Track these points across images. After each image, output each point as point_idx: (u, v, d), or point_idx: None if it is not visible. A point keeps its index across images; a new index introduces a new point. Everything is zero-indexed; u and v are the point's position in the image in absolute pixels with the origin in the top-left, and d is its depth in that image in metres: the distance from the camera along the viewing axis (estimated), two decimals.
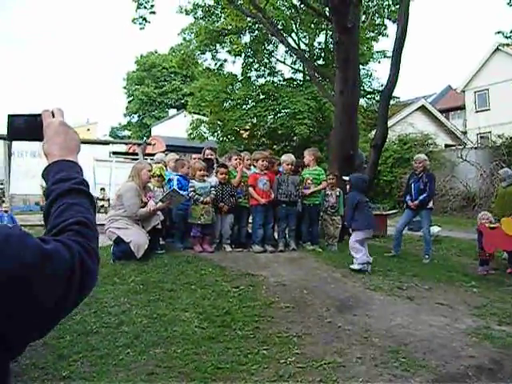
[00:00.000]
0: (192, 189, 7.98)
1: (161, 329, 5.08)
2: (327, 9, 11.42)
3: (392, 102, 24.54)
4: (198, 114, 26.80)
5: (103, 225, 7.47)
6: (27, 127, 1.57)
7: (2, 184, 19.91)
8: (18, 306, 1.11)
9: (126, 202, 7.38)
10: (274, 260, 7.72)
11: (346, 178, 8.04)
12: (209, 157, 9.32)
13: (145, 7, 15.02)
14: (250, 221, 8.88)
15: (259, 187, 8.36)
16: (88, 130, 52.82)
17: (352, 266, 7.37)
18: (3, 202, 15.85)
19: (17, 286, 1.10)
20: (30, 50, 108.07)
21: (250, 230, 8.84)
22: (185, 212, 8.06)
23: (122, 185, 7.90)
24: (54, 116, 1.57)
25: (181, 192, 7.78)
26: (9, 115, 1.56)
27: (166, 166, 8.95)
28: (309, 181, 8.82)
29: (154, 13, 15.11)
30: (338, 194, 9.09)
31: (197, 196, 7.92)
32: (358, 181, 7.83)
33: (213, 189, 8.11)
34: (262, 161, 8.52)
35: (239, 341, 4.83)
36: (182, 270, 6.87)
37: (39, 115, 1.57)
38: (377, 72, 25.23)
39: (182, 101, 45.21)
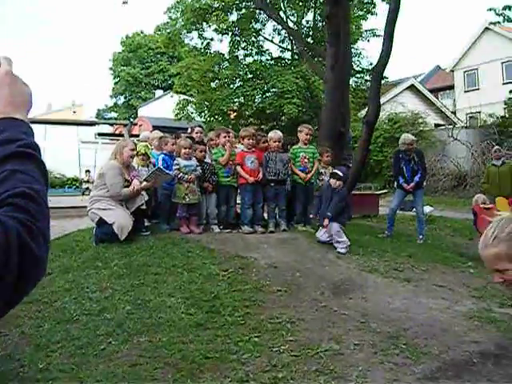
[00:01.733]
0: (177, 167, 7.64)
1: (145, 315, 4.81)
2: None
3: (381, 82, 24.43)
4: (185, 94, 26.42)
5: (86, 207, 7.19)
6: None
7: None
8: None
9: (108, 182, 7.03)
10: (265, 241, 7.39)
11: (339, 173, 7.70)
12: (198, 135, 8.94)
13: None
14: (239, 201, 8.54)
15: (247, 165, 8.00)
16: (74, 112, 52.22)
17: (340, 250, 7.09)
18: None
19: None
20: (16, 31, 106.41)
21: (238, 211, 8.50)
22: (170, 192, 7.70)
23: (104, 164, 7.56)
24: None
25: (166, 171, 7.45)
26: None
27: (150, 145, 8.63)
28: (305, 160, 8.47)
29: None
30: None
31: (181, 174, 7.58)
32: (346, 176, 7.70)
33: (199, 167, 7.77)
34: (249, 139, 8.15)
35: (229, 328, 4.57)
36: (168, 253, 6.53)
37: None
38: (366, 51, 24.88)
39: (169, 82, 44.75)
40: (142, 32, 57.63)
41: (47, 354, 4.15)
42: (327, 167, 8.73)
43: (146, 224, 7.80)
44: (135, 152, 7.51)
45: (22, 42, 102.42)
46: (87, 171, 23.96)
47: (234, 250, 6.81)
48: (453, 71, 32.36)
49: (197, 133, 8.92)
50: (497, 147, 12.52)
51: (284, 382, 3.63)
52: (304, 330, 4.53)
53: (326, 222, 7.28)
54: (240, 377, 3.68)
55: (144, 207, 7.32)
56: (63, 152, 26.63)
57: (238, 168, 8.03)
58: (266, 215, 8.47)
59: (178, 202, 7.66)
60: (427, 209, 13.33)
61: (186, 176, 7.60)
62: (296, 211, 8.48)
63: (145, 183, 7.21)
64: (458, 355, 4.07)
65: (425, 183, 9.58)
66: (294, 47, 23.45)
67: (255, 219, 8.08)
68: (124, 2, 15.01)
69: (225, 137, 8.25)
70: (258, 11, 22.07)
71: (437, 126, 25.51)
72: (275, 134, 8.40)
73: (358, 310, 5.08)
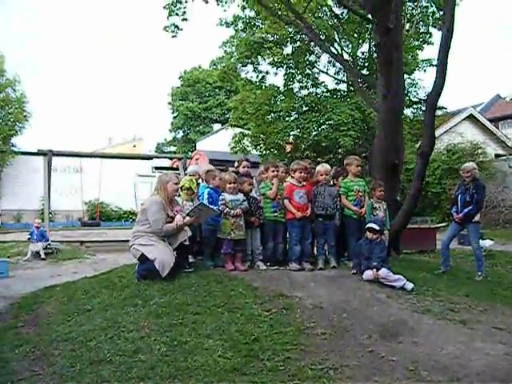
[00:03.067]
0: (223, 201, 7.47)
1: (180, 358, 4.58)
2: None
3: (439, 113, 23.95)
4: (241, 127, 26.51)
5: None
6: None
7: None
8: None
9: (150, 217, 6.91)
10: (312, 279, 7.09)
11: (376, 228, 7.43)
12: (245, 169, 8.77)
13: (176, 14, 14.85)
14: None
15: (295, 200, 7.77)
16: (134, 146, 53.51)
17: (407, 287, 6.79)
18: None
19: None
20: (76, 68, 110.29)
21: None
22: (215, 227, 7.52)
23: (147, 199, 7.44)
24: None
25: (210, 206, 7.28)
26: None
27: (199, 179, 8.49)
28: (360, 193, 8.18)
29: (185, 20, 14.94)
30: (385, 207, 8.40)
31: (227, 209, 7.39)
32: (382, 228, 7.63)
33: (245, 202, 7.57)
34: (300, 172, 7.92)
35: (267, 373, 4.29)
36: (210, 291, 6.32)
37: None
38: (423, 81, 24.41)
39: (227, 115, 45.13)
40: (199, 67, 58.75)
41: None
42: (381, 201, 8.37)
43: (191, 260, 7.63)
44: (178, 186, 7.37)
45: (85, 78, 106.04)
46: (142, 204, 24.17)
47: (278, 288, 6.53)
48: None
49: (244, 167, 8.75)
50: None
51: None
52: (347, 378, 4.21)
53: (374, 271, 6.96)
54: None
55: (187, 243, 7.15)
56: (120, 185, 27.10)
57: (286, 202, 7.80)
58: (315, 252, 8.19)
59: (223, 238, 7.47)
60: (487, 243, 12.76)
61: (232, 211, 7.42)
62: (349, 247, 8.16)
63: (188, 218, 7.05)
64: None
65: (478, 218, 9.07)
66: (348, 77, 23.24)
67: (303, 256, 7.79)
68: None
69: (273, 171, 8.05)
70: (312, 43, 21.98)
71: (497, 156, 24.69)
72: (322, 168, 8.15)
73: (407, 355, 4.71)
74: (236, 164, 9.20)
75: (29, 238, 13.79)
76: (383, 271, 6.93)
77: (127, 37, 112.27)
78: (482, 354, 4.82)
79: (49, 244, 13.86)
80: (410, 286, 6.81)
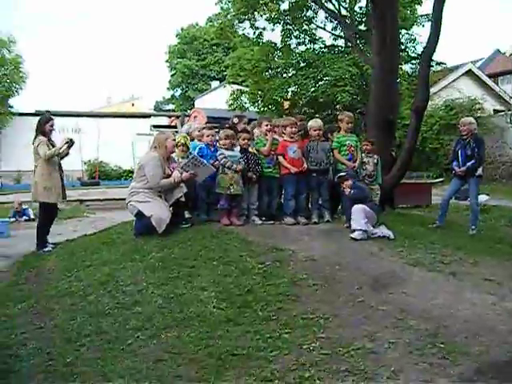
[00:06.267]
0: (223, 156, 7.51)
1: (176, 310, 4.75)
2: None
3: (438, 68, 23.78)
4: (239, 84, 26.33)
5: None
6: None
7: None
8: None
9: (147, 173, 7.00)
10: (306, 233, 7.20)
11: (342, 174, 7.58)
12: (244, 125, 8.78)
13: None
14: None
15: (289, 155, 7.82)
16: (133, 104, 53.27)
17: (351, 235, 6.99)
18: None
19: None
20: (74, 29, 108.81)
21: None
22: (208, 183, 7.58)
23: (144, 155, 7.52)
24: None
25: (203, 160, 7.33)
26: None
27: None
28: (352, 148, 8.24)
29: None
30: (375, 161, 8.47)
31: (229, 163, 7.45)
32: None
33: (242, 159, 7.63)
34: (291, 127, 7.96)
35: (260, 323, 4.44)
36: (206, 245, 6.44)
37: None
38: (421, 37, 24.12)
39: (225, 73, 44.78)
40: (196, 24, 57.97)
41: (76, 348, 4.17)
42: (371, 156, 8.45)
43: (187, 216, 7.71)
44: (175, 143, 7.43)
45: (81, 38, 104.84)
46: (139, 161, 24.19)
47: (273, 242, 6.64)
48: None
49: (244, 123, 8.80)
50: None
51: (310, 382, 3.47)
52: (337, 327, 4.35)
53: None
54: (265, 376, 3.55)
55: (183, 199, 7.25)
56: (119, 144, 27.09)
57: (280, 158, 7.86)
58: (310, 206, 8.29)
59: (221, 193, 7.54)
60: (483, 198, 12.86)
61: (235, 165, 7.46)
62: (342, 201, 8.24)
63: (185, 174, 7.12)
64: (499, 356, 3.80)
65: (480, 172, 9.10)
66: (345, 33, 23.00)
67: (298, 210, 7.89)
68: None
69: (266, 125, 8.08)
70: None
71: (496, 112, 24.61)
72: (315, 123, 8.18)
73: (396, 305, 4.84)
74: (236, 120, 9.19)
75: (12, 222, 13.09)
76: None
77: None
78: (470, 304, 4.94)
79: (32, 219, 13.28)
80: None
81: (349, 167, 8.07)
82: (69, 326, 4.61)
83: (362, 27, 23.22)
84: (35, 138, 8.10)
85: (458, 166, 9.06)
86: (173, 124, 30.69)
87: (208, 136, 7.96)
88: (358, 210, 7.05)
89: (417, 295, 5.15)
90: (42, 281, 6.29)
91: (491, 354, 3.81)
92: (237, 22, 24.08)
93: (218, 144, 7.92)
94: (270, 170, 7.92)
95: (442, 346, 3.93)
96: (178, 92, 60.05)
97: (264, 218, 7.82)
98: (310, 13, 23.63)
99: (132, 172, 26.79)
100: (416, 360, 3.72)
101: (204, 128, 8.14)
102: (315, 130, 8.08)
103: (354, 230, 6.96)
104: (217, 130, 8.67)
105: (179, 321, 4.51)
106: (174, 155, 7.56)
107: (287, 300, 4.93)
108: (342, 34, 23.79)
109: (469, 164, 8.86)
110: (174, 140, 7.39)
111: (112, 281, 5.57)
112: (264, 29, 24.29)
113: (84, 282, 5.69)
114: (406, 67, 23.56)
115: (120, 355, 3.97)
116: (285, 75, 24.05)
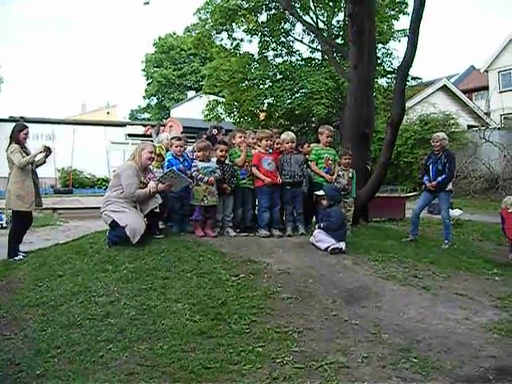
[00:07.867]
0: (195, 168, 7.51)
1: (149, 321, 4.69)
2: None
3: (414, 83, 24.10)
4: (215, 94, 26.35)
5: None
6: None
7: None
8: None
9: (123, 182, 6.91)
10: (280, 245, 7.20)
11: (320, 193, 7.52)
12: (221, 136, 8.79)
13: None
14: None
15: (264, 167, 7.83)
16: (108, 113, 52.85)
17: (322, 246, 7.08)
18: None
19: None
20: (49, 35, 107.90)
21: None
22: (182, 194, 7.55)
23: (121, 165, 7.45)
24: None
25: (181, 174, 7.29)
26: None
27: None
28: (329, 161, 8.27)
29: None
30: (350, 175, 8.51)
31: (200, 175, 7.43)
32: (331, 192, 7.51)
33: (218, 169, 7.61)
34: (266, 140, 7.98)
35: (233, 336, 4.41)
36: (179, 257, 6.39)
37: None
38: (397, 51, 24.46)
39: (201, 83, 44.82)
40: (174, 33, 58.01)
41: (46, 360, 4.09)
42: (347, 169, 8.49)
43: (161, 227, 7.68)
44: (153, 156, 7.36)
45: (57, 43, 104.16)
46: (115, 170, 24.01)
47: (247, 254, 6.63)
48: (487, 71, 31.58)
49: (215, 134, 8.80)
50: None
51: None
52: (311, 341, 4.34)
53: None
54: None
55: (158, 210, 7.21)
56: (94, 152, 26.87)
57: (254, 169, 7.86)
58: (284, 218, 8.29)
59: (195, 205, 7.52)
60: (456, 212, 13.02)
61: (206, 178, 7.45)
62: (317, 214, 8.26)
63: (160, 185, 7.08)
64: (472, 371, 3.84)
65: (450, 187, 9.22)
66: (321, 46, 23.20)
67: (272, 223, 7.90)
68: (145, 3, 14.94)
69: (240, 137, 8.10)
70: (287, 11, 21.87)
71: (470, 127, 24.96)
72: (288, 136, 8.20)
73: (370, 319, 4.87)
74: (215, 131, 9.20)
75: None
76: (316, 231, 7.20)
77: (101, 1, 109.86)
78: (443, 319, 5.01)
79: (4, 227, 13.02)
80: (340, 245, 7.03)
81: (327, 179, 8.11)
82: (39, 337, 4.52)
83: (339, 41, 23.46)
84: (9, 145, 8.02)
85: (429, 181, 9.15)
86: (148, 133, 30.54)
87: (177, 147, 7.89)
88: (320, 234, 7.15)
89: (390, 309, 5.19)
90: (12, 290, 6.17)
91: (464, 369, 3.84)
92: (214, 32, 24.22)
93: (194, 155, 7.89)
94: (244, 181, 7.93)
95: (415, 360, 3.95)
96: (154, 101, 60.04)
97: (238, 230, 7.81)
98: (287, 25, 23.95)
99: (106, 181, 26.64)
100: (389, 375, 3.73)
101: (173, 138, 8.06)
102: (288, 143, 8.10)
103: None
104: (193, 140, 8.64)
105: (152, 333, 4.46)
106: (150, 166, 7.49)
107: (261, 313, 4.91)
108: (319, 47, 24.00)
109: (439, 179, 8.96)
110: (152, 152, 7.29)
111: (84, 291, 5.48)
112: (241, 40, 24.54)
113: (55, 292, 5.59)
114: (382, 81, 23.87)
115: (91, 367, 3.89)
116: (261, 86, 24.20)
